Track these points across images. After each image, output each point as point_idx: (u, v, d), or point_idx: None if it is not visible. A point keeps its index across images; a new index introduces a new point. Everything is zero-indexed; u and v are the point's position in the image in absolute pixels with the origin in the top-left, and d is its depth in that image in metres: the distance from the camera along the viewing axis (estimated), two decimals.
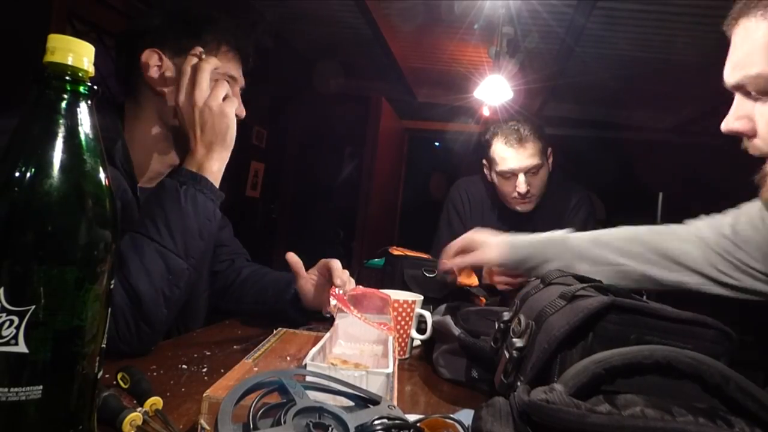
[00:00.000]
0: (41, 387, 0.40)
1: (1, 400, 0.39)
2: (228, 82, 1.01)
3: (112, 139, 0.94)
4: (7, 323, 0.39)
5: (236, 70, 1.06)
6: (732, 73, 0.66)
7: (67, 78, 0.43)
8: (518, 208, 1.72)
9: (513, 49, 2.38)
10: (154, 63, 0.98)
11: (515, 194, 1.68)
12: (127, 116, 1.02)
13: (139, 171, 1.02)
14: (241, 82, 1.08)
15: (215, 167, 0.94)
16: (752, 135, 0.67)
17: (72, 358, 0.42)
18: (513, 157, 1.65)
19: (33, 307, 0.39)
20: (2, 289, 0.39)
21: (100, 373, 0.47)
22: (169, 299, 0.88)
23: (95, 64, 0.46)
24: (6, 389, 0.39)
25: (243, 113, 1.03)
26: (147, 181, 1.06)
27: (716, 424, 0.36)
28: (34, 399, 0.40)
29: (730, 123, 0.69)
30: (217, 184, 0.94)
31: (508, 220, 1.75)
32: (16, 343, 0.39)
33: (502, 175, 1.69)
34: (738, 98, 0.69)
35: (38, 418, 0.41)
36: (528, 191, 1.66)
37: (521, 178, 1.65)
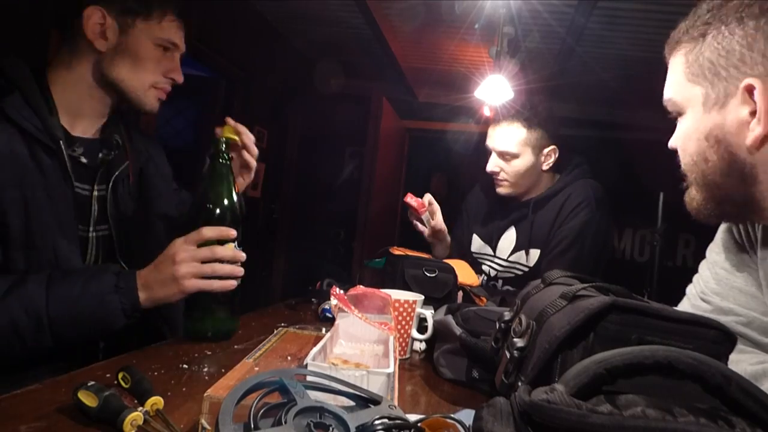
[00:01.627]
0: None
1: None
2: (169, 48, 1.08)
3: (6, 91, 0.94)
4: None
5: (179, 38, 1.10)
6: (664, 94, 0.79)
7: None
8: (497, 189, 1.75)
9: (513, 49, 2.38)
10: (97, 20, 1.00)
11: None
12: (59, 66, 1.04)
13: (74, 118, 1.05)
14: (182, 48, 1.12)
15: (150, 298, 0.95)
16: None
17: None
18: (491, 134, 1.71)
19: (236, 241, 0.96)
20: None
21: None
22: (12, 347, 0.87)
23: None
24: None
25: (180, 79, 1.11)
26: (87, 129, 1.07)
27: (717, 424, 0.36)
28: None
29: (670, 142, 0.81)
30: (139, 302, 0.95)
31: (511, 213, 1.76)
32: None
33: (488, 151, 1.74)
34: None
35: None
36: (497, 173, 1.69)
37: (492, 156, 1.70)
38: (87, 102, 1.06)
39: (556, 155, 1.70)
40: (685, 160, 0.76)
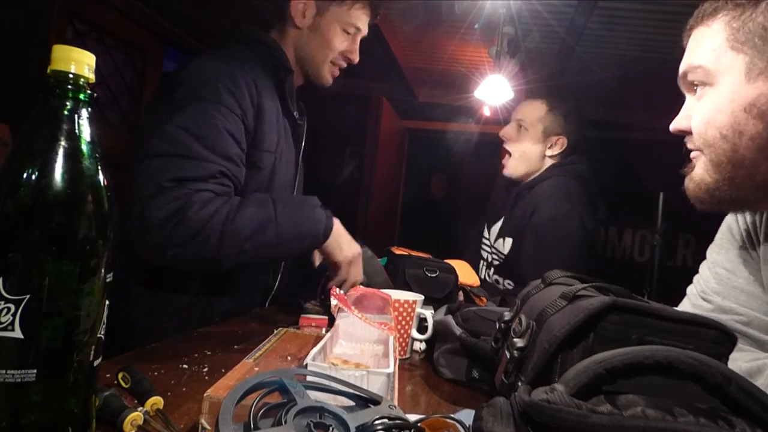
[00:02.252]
0: (35, 371, 0.44)
1: None
2: (352, 32, 1.30)
3: (286, 70, 1.26)
4: (5, 310, 0.42)
5: (363, 23, 1.31)
6: (681, 65, 0.76)
7: (69, 86, 0.46)
8: (503, 171, 1.79)
9: (513, 49, 2.38)
10: (301, 0, 1.24)
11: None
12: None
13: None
14: (365, 32, 1.34)
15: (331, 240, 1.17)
16: (690, 131, 0.74)
17: (66, 346, 0.45)
18: (519, 106, 1.77)
19: (28, 296, 0.43)
20: (1, 279, 0.42)
21: (97, 362, 0.49)
22: (242, 252, 1.05)
23: (96, 65, 0.48)
24: (3, 371, 0.43)
25: (356, 59, 1.35)
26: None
27: (717, 424, 0.36)
28: (28, 381, 0.43)
29: (675, 122, 0.76)
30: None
31: (506, 201, 1.82)
32: (13, 329, 0.43)
33: None
34: (686, 100, 0.77)
35: (33, 400, 0.44)
36: (506, 143, 1.76)
37: (510, 124, 1.76)
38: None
39: (563, 148, 1.73)
40: (708, 134, 0.71)
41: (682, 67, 0.76)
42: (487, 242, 1.86)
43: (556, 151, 1.73)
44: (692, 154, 0.75)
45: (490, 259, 1.83)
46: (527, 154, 1.73)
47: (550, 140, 1.72)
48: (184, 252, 1.01)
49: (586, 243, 1.63)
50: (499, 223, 1.80)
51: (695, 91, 0.75)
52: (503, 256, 1.75)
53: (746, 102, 0.66)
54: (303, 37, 1.27)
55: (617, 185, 3.95)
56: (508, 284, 1.76)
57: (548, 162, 1.75)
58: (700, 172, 0.72)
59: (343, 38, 1.29)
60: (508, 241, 1.73)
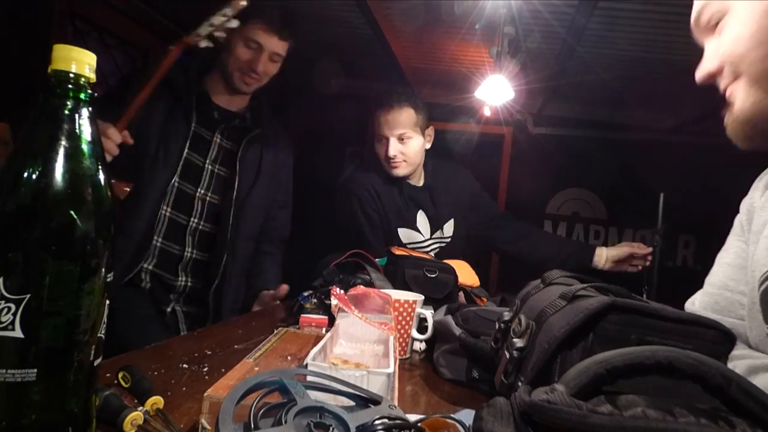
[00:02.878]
0: (35, 370, 0.43)
1: None
2: (255, 47, 1.51)
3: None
4: (5, 310, 0.42)
5: (264, 39, 1.50)
6: (693, 14, 0.74)
7: (70, 86, 0.46)
8: (394, 171, 1.87)
9: (514, 49, 2.37)
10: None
11: (385, 157, 1.86)
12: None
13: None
14: (273, 48, 1.54)
15: None
16: (718, 71, 0.72)
17: (67, 345, 0.45)
18: (386, 120, 1.85)
19: (29, 295, 0.43)
20: (2, 278, 0.42)
21: (98, 361, 0.49)
22: None
23: (97, 64, 0.48)
24: (4, 370, 0.42)
25: (258, 69, 1.54)
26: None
27: (718, 424, 0.36)
28: (28, 381, 0.43)
29: (701, 68, 0.74)
30: None
31: (413, 198, 1.94)
32: (13, 329, 0.42)
33: (378, 139, 1.89)
34: (706, 48, 0.75)
35: (33, 399, 0.44)
36: (396, 156, 1.84)
37: (391, 142, 1.84)
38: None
39: (433, 134, 1.97)
40: (740, 49, 0.68)
41: (693, 16, 0.74)
42: (424, 242, 1.94)
43: (430, 140, 1.96)
44: (727, 92, 0.72)
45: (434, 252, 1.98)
46: (418, 152, 1.90)
47: (426, 134, 1.93)
48: None
49: None
50: (422, 219, 1.93)
51: (713, 30, 0.73)
52: (449, 238, 1.96)
53: (766, 7, 0.65)
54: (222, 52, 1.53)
55: (618, 185, 3.95)
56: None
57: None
58: (739, 100, 0.69)
59: (246, 52, 1.51)
60: (449, 224, 1.96)
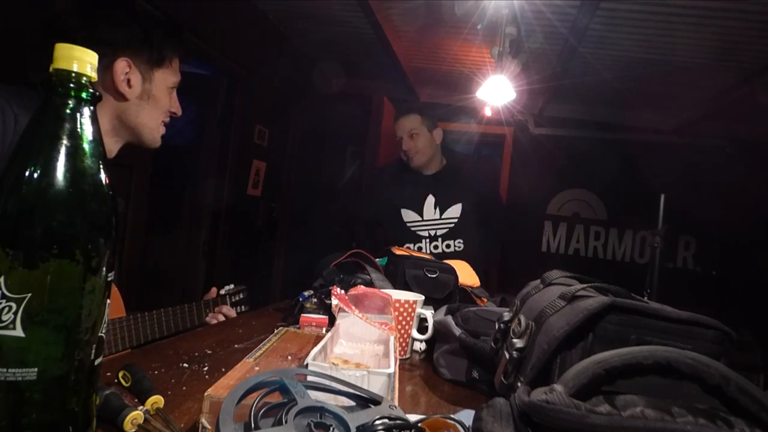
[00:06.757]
0: (36, 369, 0.43)
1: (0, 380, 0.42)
2: (174, 87, 1.19)
3: None
4: (6, 309, 0.42)
5: (178, 75, 1.20)
6: None
7: (72, 85, 0.46)
8: (411, 162, 2.37)
9: (516, 50, 2.38)
10: (123, 71, 1.06)
11: (402, 151, 2.37)
12: None
13: None
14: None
15: None
16: None
17: (67, 345, 0.45)
18: (399, 124, 2.39)
19: (30, 294, 0.42)
20: (2, 277, 0.42)
21: (98, 360, 0.49)
22: None
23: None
24: (4, 369, 0.42)
25: (180, 112, 1.23)
26: None
27: (716, 424, 0.36)
28: (29, 380, 0.43)
29: None
30: None
31: (424, 185, 2.37)
32: (14, 328, 0.42)
33: (397, 140, 2.39)
34: None
35: (34, 398, 0.44)
36: (410, 149, 2.33)
37: (404, 139, 2.36)
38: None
39: (442, 133, 2.42)
40: None
41: None
42: (428, 222, 2.36)
43: (439, 137, 2.41)
44: None
45: (433, 234, 2.35)
46: (428, 145, 2.37)
47: (433, 132, 2.38)
48: None
49: None
50: (430, 202, 2.35)
51: None
52: (457, 219, 2.32)
53: None
54: (131, 107, 1.12)
55: (618, 186, 3.95)
56: (459, 244, 2.33)
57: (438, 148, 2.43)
58: None
59: (170, 97, 1.20)
60: (456, 206, 2.33)
